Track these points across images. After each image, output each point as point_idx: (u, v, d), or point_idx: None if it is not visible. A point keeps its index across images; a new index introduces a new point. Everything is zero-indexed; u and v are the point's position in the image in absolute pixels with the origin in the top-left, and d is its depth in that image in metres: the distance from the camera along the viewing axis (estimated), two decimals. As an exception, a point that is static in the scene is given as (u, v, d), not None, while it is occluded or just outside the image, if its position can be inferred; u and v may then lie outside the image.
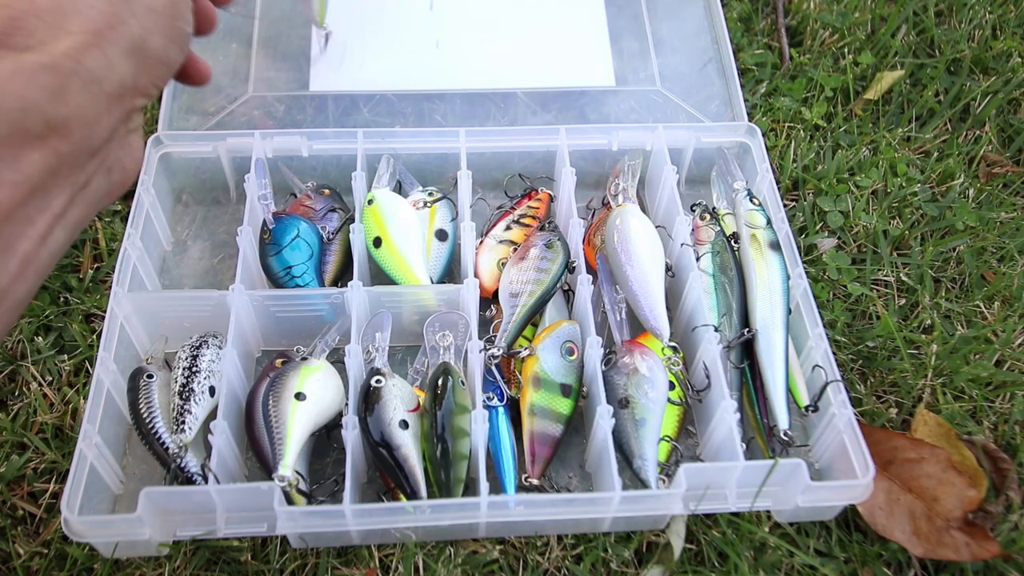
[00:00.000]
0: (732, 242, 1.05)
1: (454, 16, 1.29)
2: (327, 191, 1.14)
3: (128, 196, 1.16)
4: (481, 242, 1.08)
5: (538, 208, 1.13)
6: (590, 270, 1.03)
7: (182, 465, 0.89)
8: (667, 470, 0.93)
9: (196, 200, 1.20)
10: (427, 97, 1.22)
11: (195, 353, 0.94)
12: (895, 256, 1.17)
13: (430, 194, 1.12)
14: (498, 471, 0.92)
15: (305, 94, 1.21)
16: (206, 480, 0.86)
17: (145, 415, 0.91)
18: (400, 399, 0.89)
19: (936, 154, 1.28)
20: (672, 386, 0.96)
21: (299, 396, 0.89)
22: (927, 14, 1.43)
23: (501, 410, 0.95)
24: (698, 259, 1.04)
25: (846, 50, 1.39)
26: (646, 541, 0.91)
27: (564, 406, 0.94)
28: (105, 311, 0.96)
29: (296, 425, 0.87)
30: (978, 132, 1.31)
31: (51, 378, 1.01)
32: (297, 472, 0.87)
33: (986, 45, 1.40)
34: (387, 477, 0.90)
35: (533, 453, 0.92)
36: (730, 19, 1.39)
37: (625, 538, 0.91)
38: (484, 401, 0.92)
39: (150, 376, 0.94)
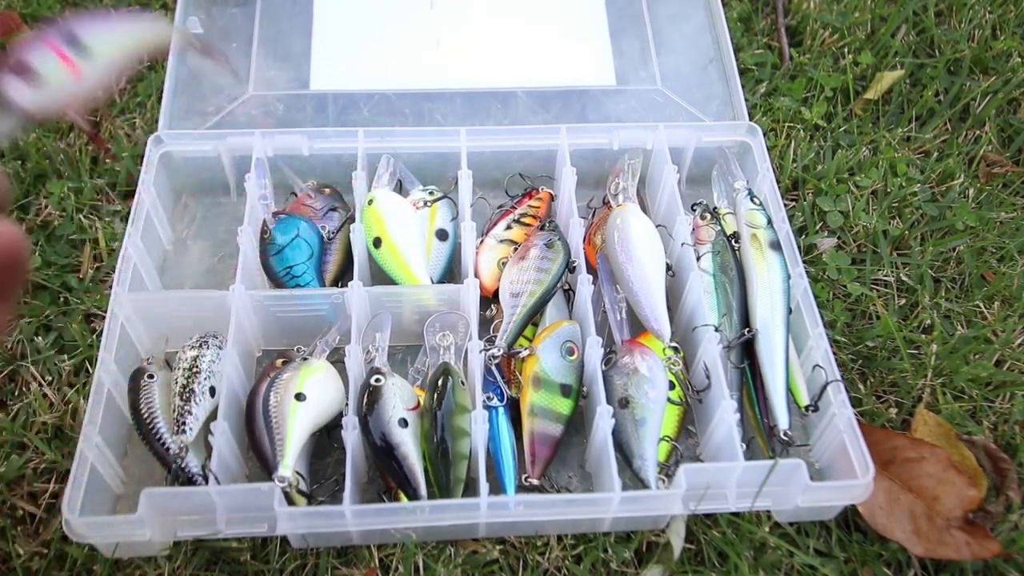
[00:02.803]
0: (732, 241, 1.05)
1: (455, 15, 1.29)
2: (327, 190, 1.14)
3: (128, 196, 1.17)
4: (482, 241, 1.08)
5: (539, 207, 1.13)
6: (590, 269, 1.03)
7: (183, 466, 0.89)
8: (667, 470, 0.93)
9: (196, 199, 1.20)
10: (427, 96, 1.22)
11: (196, 353, 0.94)
12: (895, 256, 1.17)
13: (431, 193, 1.12)
14: (498, 471, 0.92)
15: (305, 93, 1.21)
16: (207, 481, 0.86)
17: (146, 416, 0.91)
18: (400, 397, 0.89)
19: (936, 154, 1.27)
20: (672, 386, 0.96)
21: (299, 397, 0.89)
22: (927, 14, 1.43)
23: (501, 410, 0.95)
24: (698, 259, 1.04)
25: (846, 50, 1.39)
26: (646, 541, 0.91)
27: (564, 406, 0.94)
28: (105, 311, 0.96)
29: (296, 426, 0.87)
30: (978, 132, 1.31)
31: (51, 378, 1.01)
32: (297, 472, 0.87)
33: (986, 45, 1.40)
34: (387, 476, 0.90)
35: (533, 453, 0.92)
36: (730, 19, 1.39)
37: (625, 538, 0.91)
38: (484, 401, 0.92)
39: (151, 376, 0.94)
